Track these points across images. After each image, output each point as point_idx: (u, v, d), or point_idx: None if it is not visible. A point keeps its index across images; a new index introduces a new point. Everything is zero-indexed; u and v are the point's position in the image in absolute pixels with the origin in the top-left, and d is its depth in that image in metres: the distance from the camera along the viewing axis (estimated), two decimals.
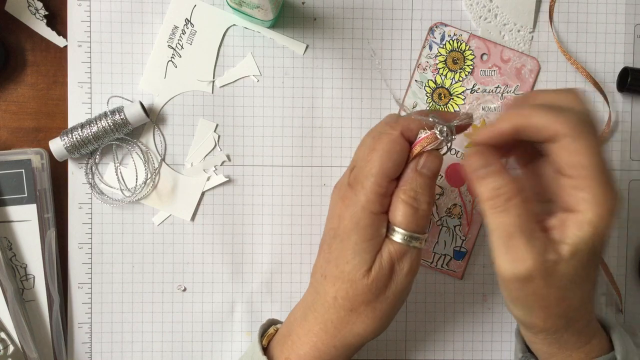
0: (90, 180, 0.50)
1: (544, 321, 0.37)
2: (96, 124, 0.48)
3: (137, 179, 0.50)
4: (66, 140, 0.47)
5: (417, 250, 0.39)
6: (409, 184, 0.38)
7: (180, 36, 0.50)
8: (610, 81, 0.52)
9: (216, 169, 0.50)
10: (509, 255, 0.35)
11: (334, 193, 0.40)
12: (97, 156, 0.50)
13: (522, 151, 0.41)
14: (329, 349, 0.40)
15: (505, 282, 0.36)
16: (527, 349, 0.44)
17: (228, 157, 0.50)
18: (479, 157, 0.36)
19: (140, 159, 0.50)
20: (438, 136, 0.38)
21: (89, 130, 0.48)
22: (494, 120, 0.37)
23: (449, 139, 0.38)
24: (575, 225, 0.34)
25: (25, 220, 0.49)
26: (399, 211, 0.38)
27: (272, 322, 0.45)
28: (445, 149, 0.39)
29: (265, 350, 0.42)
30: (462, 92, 0.50)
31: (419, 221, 0.38)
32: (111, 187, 0.50)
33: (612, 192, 0.34)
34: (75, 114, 0.50)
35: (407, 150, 0.38)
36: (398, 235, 0.38)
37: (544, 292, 0.35)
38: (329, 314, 0.39)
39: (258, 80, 0.50)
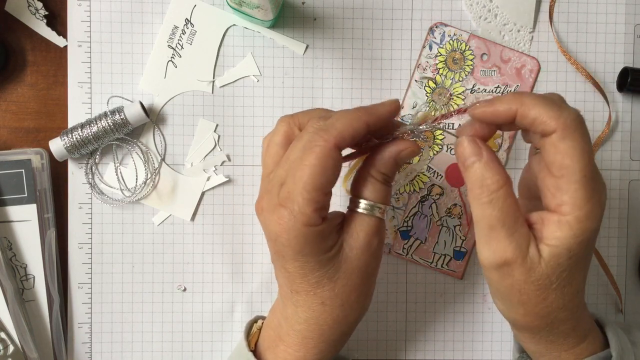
0: (90, 180, 0.50)
1: (523, 317, 0.37)
2: (96, 124, 0.48)
3: (137, 179, 0.50)
4: (66, 140, 0.47)
5: (383, 222, 0.39)
6: (384, 168, 0.38)
7: (180, 36, 0.50)
8: (610, 81, 0.52)
9: (216, 169, 0.50)
10: (489, 245, 0.35)
11: (264, 214, 0.37)
12: (97, 156, 0.50)
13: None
14: (329, 344, 0.40)
15: (486, 271, 0.37)
16: (523, 349, 0.44)
17: (228, 157, 0.50)
18: (469, 145, 0.36)
19: (140, 159, 0.50)
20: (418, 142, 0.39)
21: (89, 130, 0.48)
22: (492, 98, 0.36)
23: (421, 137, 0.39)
24: (554, 225, 0.34)
25: (25, 220, 0.49)
26: (371, 186, 0.38)
27: (255, 320, 0.44)
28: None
29: (254, 353, 0.41)
30: (462, 92, 0.50)
31: (387, 195, 0.39)
32: (111, 187, 0.50)
33: (594, 197, 0.33)
34: (75, 114, 0.50)
35: (340, 162, 0.36)
36: (364, 206, 0.38)
37: (523, 288, 0.35)
38: (322, 319, 0.39)
39: (258, 80, 0.50)
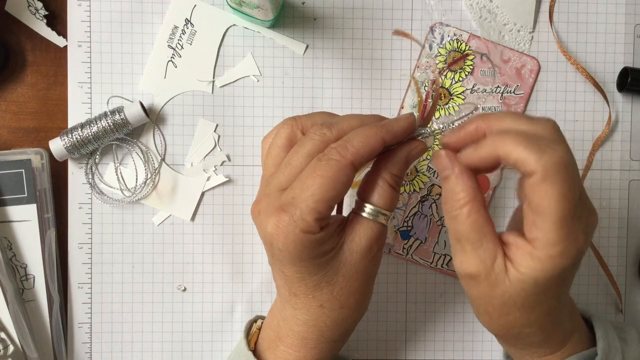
0: (90, 180, 0.50)
1: (488, 324, 0.38)
2: (96, 124, 0.48)
3: (137, 179, 0.50)
4: (66, 140, 0.47)
5: (386, 228, 0.39)
6: (398, 170, 0.38)
7: (180, 36, 0.50)
8: (610, 81, 0.52)
9: (216, 169, 0.50)
10: (457, 256, 0.36)
11: (260, 217, 0.37)
12: (97, 156, 0.50)
13: None
14: (329, 344, 0.40)
15: (458, 276, 0.37)
16: None
17: (228, 157, 0.50)
18: (443, 158, 0.36)
19: (140, 159, 0.50)
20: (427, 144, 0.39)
21: (89, 130, 0.48)
22: (466, 128, 0.36)
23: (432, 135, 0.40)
24: (526, 254, 0.34)
25: (25, 220, 0.49)
26: (380, 190, 0.38)
27: (254, 320, 0.44)
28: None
29: (254, 353, 0.41)
30: (462, 92, 0.50)
31: (394, 202, 0.38)
32: (111, 187, 0.50)
33: (570, 236, 0.33)
34: (75, 114, 0.50)
35: (351, 180, 0.36)
36: (369, 210, 0.38)
37: (488, 299, 0.36)
38: (321, 321, 0.39)
39: (258, 80, 0.50)
